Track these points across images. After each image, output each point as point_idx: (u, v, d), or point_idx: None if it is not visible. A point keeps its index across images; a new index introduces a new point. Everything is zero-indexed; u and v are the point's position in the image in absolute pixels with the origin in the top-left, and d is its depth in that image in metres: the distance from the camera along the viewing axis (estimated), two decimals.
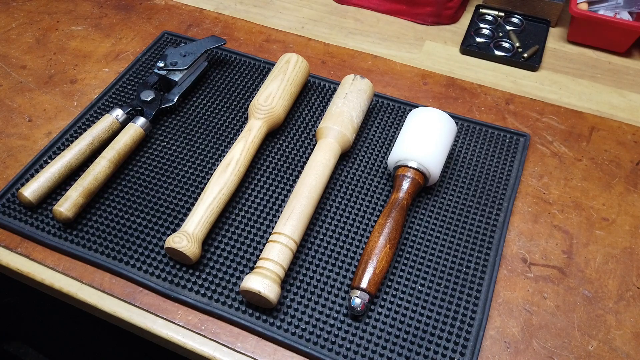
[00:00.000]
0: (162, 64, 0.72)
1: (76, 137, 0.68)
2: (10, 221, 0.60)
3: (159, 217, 0.61)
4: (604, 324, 0.54)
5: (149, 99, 0.69)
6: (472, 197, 0.63)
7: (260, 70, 0.78)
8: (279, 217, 0.59)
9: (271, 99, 0.66)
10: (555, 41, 0.84)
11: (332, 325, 0.53)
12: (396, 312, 0.54)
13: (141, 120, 0.66)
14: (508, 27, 0.85)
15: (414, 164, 0.59)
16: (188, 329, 0.53)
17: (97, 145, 0.65)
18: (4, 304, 0.97)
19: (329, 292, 0.55)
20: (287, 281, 0.56)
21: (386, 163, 0.66)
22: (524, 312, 0.54)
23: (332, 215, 0.61)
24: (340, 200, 0.63)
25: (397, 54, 0.82)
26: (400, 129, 0.69)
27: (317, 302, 0.54)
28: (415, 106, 0.72)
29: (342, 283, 0.56)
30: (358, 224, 0.61)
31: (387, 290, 0.55)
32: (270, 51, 0.82)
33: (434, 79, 0.77)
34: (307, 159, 0.67)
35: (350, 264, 0.57)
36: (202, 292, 0.55)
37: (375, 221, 0.61)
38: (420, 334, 0.52)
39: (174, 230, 0.60)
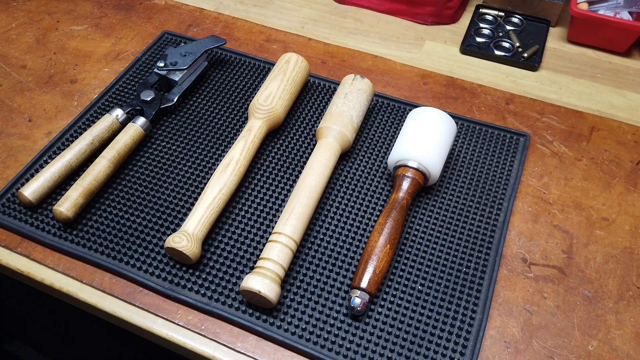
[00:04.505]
0: (162, 64, 0.72)
1: (76, 137, 0.68)
2: (10, 221, 0.60)
3: (159, 217, 0.61)
4: (604, 324, 0.54)
5: (149, 99, 0.69)
6: (472, 197, 0.63)
7: (260, 70, 0.78)
8: (279, 217, 0.59)
9: (271, 99, 0.66)
10: (555, 41, 0.84)
11: (332, 325, 0.53)
12: (396, 312, 0.54)
13: (141, 120, 0.66)
14: (508, 27, 0.85)
15: (414, 164, 0.59)
16: (188, 329, 0.53)
17: (97, 145, 0.65)
18: (6, 306, 0.97)
19: (329, 292, 0.55)
20: (287, 281, 0.56)
21: (386, 163, 0.66)
22: (524, 312, 0.54)
23: (332, 215, 0.61)
24: (340, 200, 0.63)
25: (397, 53, 0.82)
26: (400, 129, 0.69)
27: (317, 302, 0.54)
28: (415, 106, 0.72)
29: (342, 283, 0.56)
30: (358, 224, 0.61)
31: (387, 290, 0.55)
32: (270, 51, 0.82)
33: (434, 79, 0.77)
34: (307, 159, 0.67)
35: (350, 264, 0.57)
36: (202, 292, 0.55)
37: (375, 221, 0.61)
38: (420, 334, 0.52)
39: (174, 230, 0.60)
